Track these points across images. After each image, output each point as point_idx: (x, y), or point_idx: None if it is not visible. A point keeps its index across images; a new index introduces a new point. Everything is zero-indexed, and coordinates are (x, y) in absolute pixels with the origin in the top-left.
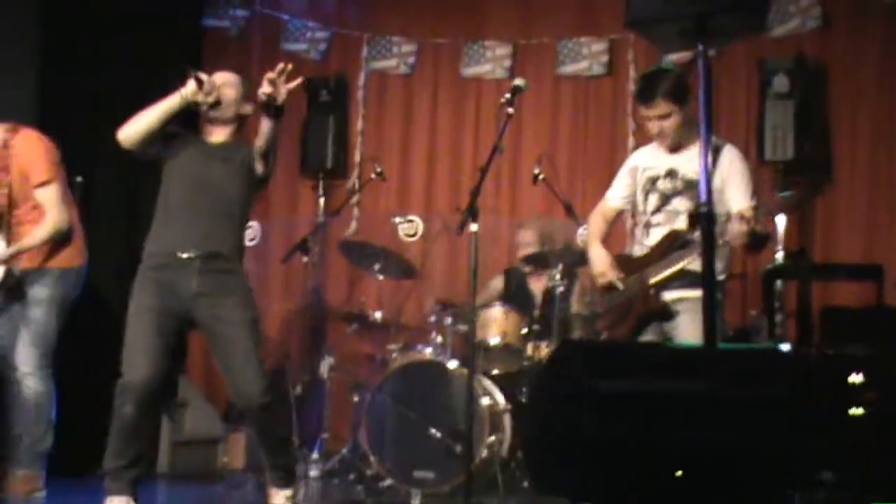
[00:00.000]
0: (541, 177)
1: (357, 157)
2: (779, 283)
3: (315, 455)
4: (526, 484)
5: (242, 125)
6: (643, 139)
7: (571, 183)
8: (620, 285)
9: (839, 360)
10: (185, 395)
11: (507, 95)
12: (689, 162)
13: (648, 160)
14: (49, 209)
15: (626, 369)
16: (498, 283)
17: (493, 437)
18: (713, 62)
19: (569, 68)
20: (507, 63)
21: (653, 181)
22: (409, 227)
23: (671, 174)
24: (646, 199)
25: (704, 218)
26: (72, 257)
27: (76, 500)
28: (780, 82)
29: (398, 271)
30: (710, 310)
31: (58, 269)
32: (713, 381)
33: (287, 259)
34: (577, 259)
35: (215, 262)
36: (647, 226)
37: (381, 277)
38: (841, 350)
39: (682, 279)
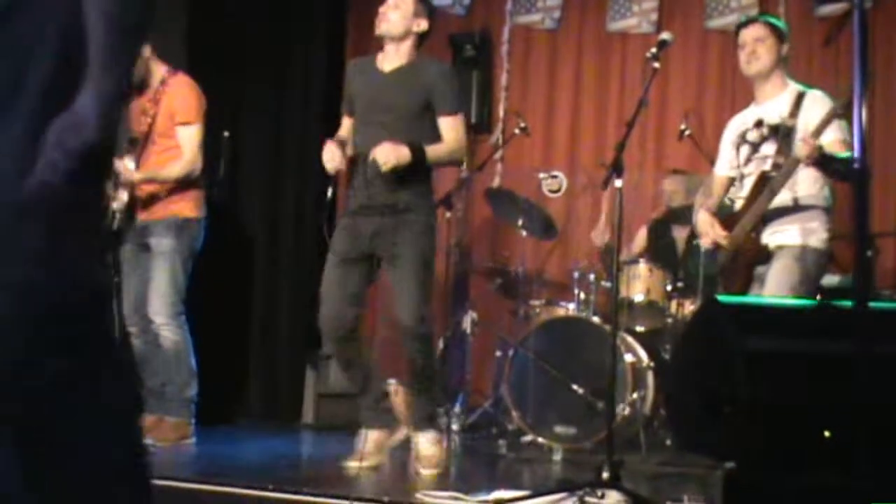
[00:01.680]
0: (687, 132)
1: (501, 113)
2: None
3: (457, 409)
4: (668, 442)
5: (421, 43)
6: None
7: (717, 139)
8: (725, 242)
9: None
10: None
11: (653, 50)
12: (773, 110)
13: (738, 118)
14: (186, 150)
15: (774, 328)
16: (641, 239)
17: (635, 395)
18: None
19: (717, 22)
20: (654, 17)
21: (742, 135)
22: (553, 183)
23: (758, 124)
24: (737, 152)
25: (859, 174)
26: (193, 208)
27: (224, 447)
28: None
29: (541, 228)
30: (862, 268)
31: (180, 219)
32: (865, 341)
33: None
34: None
35: (392, 207)
36: (741, 178)
37: (524, 234)
38: None
39: (781, 221)
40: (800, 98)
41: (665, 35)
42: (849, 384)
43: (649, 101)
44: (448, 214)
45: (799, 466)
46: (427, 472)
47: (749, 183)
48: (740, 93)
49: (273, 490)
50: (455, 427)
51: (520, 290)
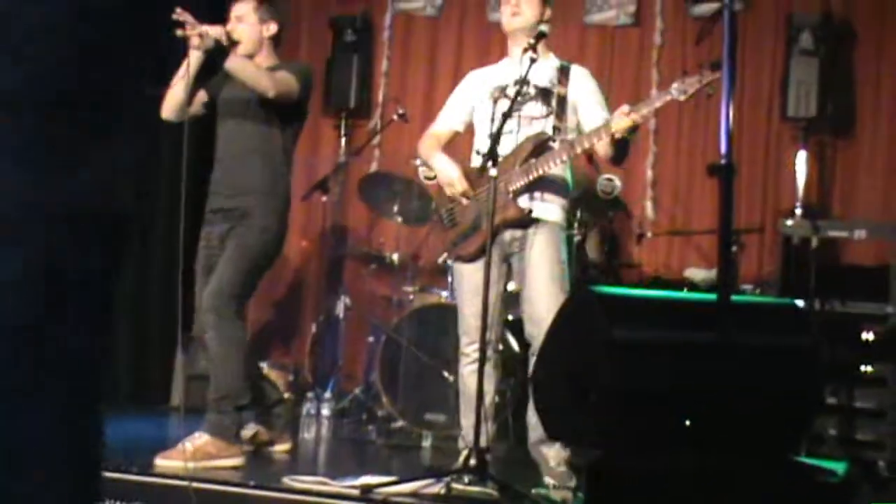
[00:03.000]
0: None
1: (380, 98)
2: (795, 239)
3: (328, 394)
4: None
5: (278, 44)
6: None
7: None
8: (466, 199)
9: (853, 318)
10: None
11: (531, 41)
12: (540, 71)
13: (493, 72)
14: None
15: (641, 319)
16: None
17: (504, 382)
18: (740, 15)
19: (596, 17)
20: None
21: (501, 89)
22: (429, 170)
23: (522, 83)
24: (494, 107)
25: (724, 170)
26: None
27: None
28: (806, 39)
29: (416, 215)
30: (725, 262)
31: None
32: (728, 333)
33: (307, 197)
34: (597, 209)
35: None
36: (498, 134)
37: (399, 219)
38: (855, 308)
39: (542, 188)
40: (565, 70)
41: (542, 27)
42: (711, 373)
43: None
44: (324, 199)
45: (662, 453)
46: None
47: (510, 142)
48: (616, 88)
49: (137, 473)
50: (325, 412)
51: (394, 277)
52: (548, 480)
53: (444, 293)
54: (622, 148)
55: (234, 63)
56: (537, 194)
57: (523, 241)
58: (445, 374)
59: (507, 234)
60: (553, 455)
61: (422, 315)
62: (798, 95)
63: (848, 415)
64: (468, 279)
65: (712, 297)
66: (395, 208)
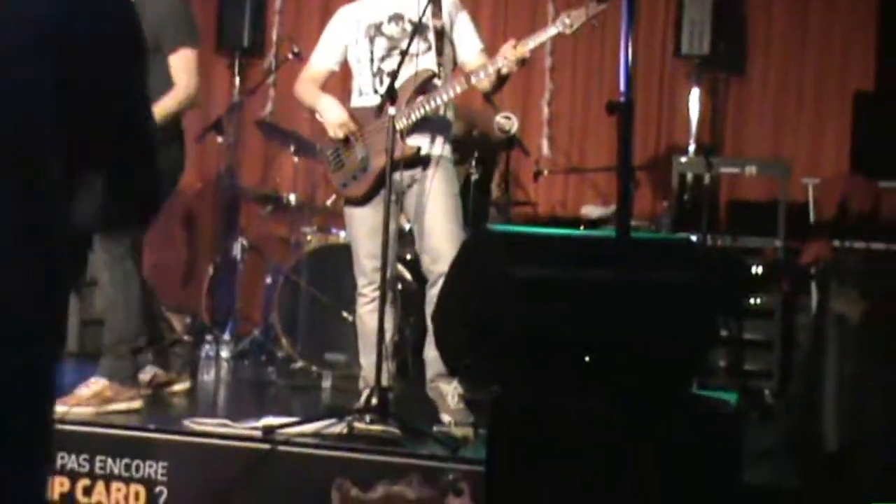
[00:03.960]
0: None
1: (274, 37)
2: (689, 175)
3: (226, 336)
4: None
5: None
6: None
7: None
8: (357, 137)
9: (743, 252)
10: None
11: None
12: (412, 4)
13: (364, 9)
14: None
15: (540, 256)
16: None
17: (403, 320)
18: None
19: None
20: None
21: (377, 27)
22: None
23: (396, 18)
24: (371, 45)
25: (623, 107)
26: None
27: None
28: None
29: (313, 152)
30: (625, 198)
31: None
32: (624, 269)
33: (201, 139)
34: (494, 147)
35: None
36: (380, 73)
37: (296, 159)
38: (745, 242)
39: (429, 127)
40: (436, 3)
41: None
42: (609, 310)
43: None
44: (219, 139)
45: (561, 391)
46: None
47: (399, 80)
48: (512, 19)
49: None
50: (224, 354)
51: (291, 217)
52: (445, 418)
53: (342, 233)
54: (501, 84)
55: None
56: (425, 132)
57: (414, 178)
58: (344, 313)
59: (398, 174)
60: (451, 392)
61: (320, 255)
62: (691, 33)
63: (737, 346)
64: (360, 221)
65: (610, 234)
66: (292, 147)
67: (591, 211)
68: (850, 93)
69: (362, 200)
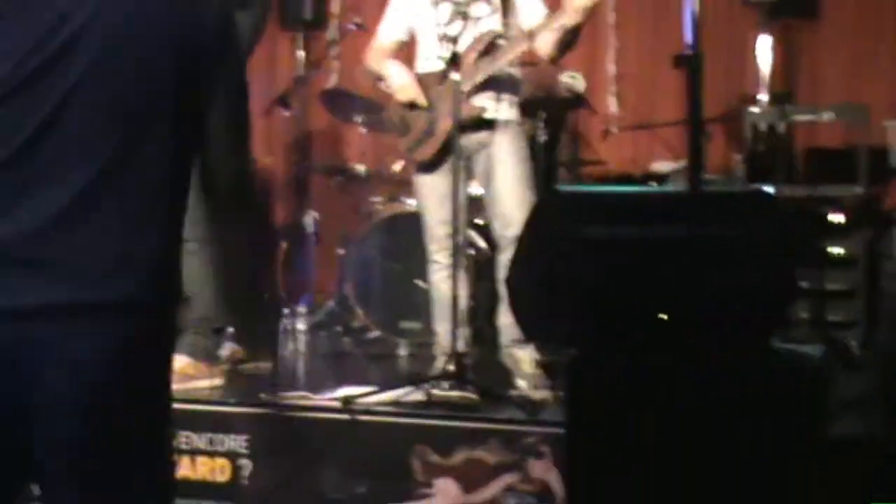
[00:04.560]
0: None
1: (336, 9)
2: (763, 125)
3: (302, 309)
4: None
5: None
6: None
7: None
8: (424, 101)
9: (823, 201)
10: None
11: None
12: None
13: None
14: None
15: (613, 216)
16: None
17: (477, 286)
18: None
19: None
20: None
21: None
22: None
23: None
24: (436, 10)
25: (691, 60)
26: None
27: None
28: None
29: (381, 123)
30: (696, 152)
31: None
32: (698, 225)
33: (268, 113)
34: (561, 107)
35: None
36: (444, 38)
37: (362, 130)
38: (825, 191)
39: (494, 87)
40: None
41: None
42: (684, 266)
43: None
44: (286, 113)
45: (638, 351)
46: None
47: (464, 44)
48: None
49: None
50: (300, 327)
51: (361, 188)
52: (521, 383)
53: (411, 201)
54: (568, 42)
55: None
56: (491, 93)
57: (482, 142)
58: (417, 281)
59: (465, 137)
60: (526, 357)
61: (390, 224)
62: None
63: (819, 297)
64: (430, 188)
65: (683, 189)
66: (359, 119)
67: (662, 166)
68: None
69: (430, 165)
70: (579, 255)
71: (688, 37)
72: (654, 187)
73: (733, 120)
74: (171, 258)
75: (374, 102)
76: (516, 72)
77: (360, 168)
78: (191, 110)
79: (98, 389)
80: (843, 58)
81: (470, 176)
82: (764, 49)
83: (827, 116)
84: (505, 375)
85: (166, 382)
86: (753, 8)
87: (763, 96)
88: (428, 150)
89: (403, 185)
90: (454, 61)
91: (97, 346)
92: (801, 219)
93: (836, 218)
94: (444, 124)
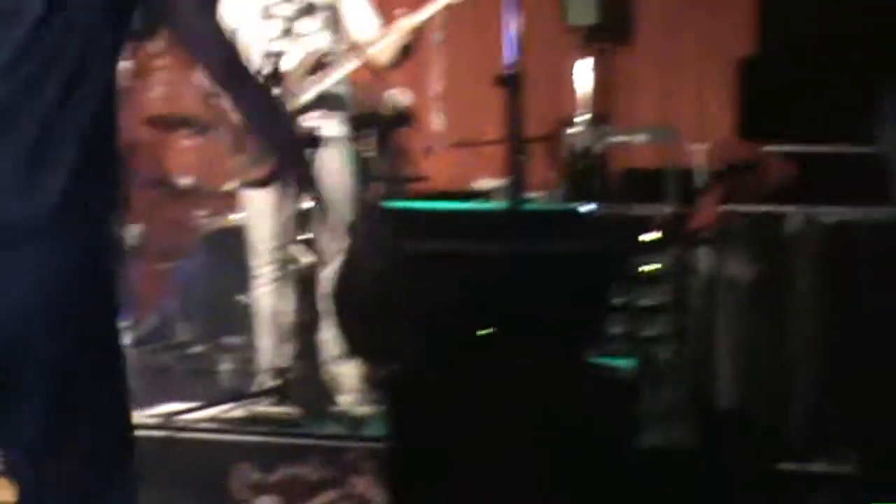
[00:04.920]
0: None
1: None
2: (580, 145)
3: (124, 323)
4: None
5: None
6: None
7: None
8: None
9: (636, 220)
10: None
11: None
12: None
13: None
14: None
15: (434, 231)
16: None
17: (302, 301)
18: None
19: None
20: None
21: (266, 8)
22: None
23: None
24: (263, 27)
25: (510, 80)
26: None
27: None
28: None
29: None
30: (515, 171)
31: None
32: (517, 242)
33: None
34: (386, 123)
35: None
36: (271, 55)
37: (187, 142)
38: (638, 210)
39: (323, 106)
40: None
41: None
42: (504, 282)
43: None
44: None
45: (458, 365)
46: None
47: (287, 61)
48: None
49: None
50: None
51: (185, 201)
52: (345, 399)
53: (237, 215)
54: (404, 52)
55: None
56: (322, 111)
57: (314, 158)
58: (240, 296)
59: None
60: (349, 372)
61: (215, 239)
62: (578, 3)
63: (633, 313)
64: (257, 202)
65: (501, 206)
66: (185, 132)
67: (485, 184)
68: (732, 59)
69: (263, 183)
70: (402, 270)
71: (508, 57)
72: (475, 204)
73: (553, 140)
74: (86, 179)
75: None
76: (345, 88)
77: (185, 181)
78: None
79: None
80: (655, 82)
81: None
82: (583, 72)
83: (639, 139)
84: (329, 391)
85: (99, 306)
86: (574, 32)
87: (581, 118)
88: (261, 171)
89: (229, 200)
90: (275, 77)
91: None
92: (615, 237)
93: (649, 236)
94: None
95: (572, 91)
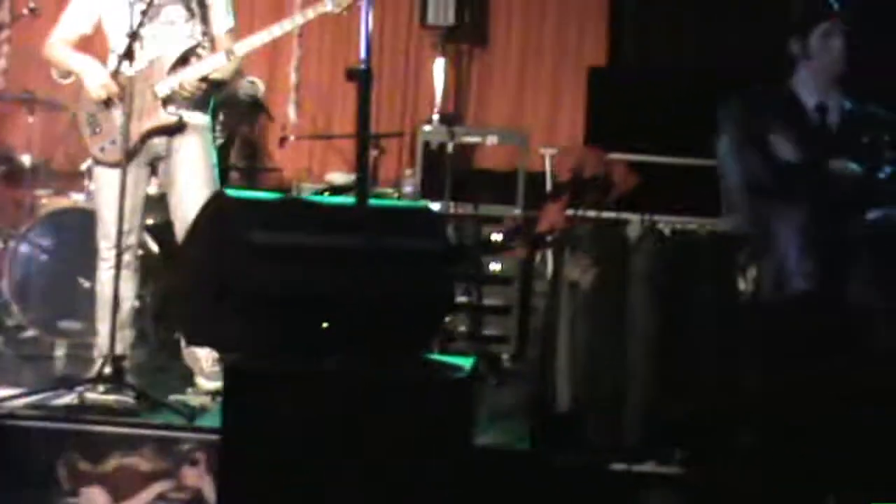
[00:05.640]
0: None
1: None
2: (433, 144)
3: None
4: (177, 335)
5: None
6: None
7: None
8: (116, 101)
9: (484, 220)
10: None
11: None
12: None
13: None
14: None
15: (280, 222)
16: None
17: (144, 288)
18: None
19: None
20: None
21: None
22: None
23: None
24: (131, 9)
25: (361, 75)
26: None
27: None
28: None
29: (51, 112)
30: (363, 166)
31: None
32: (363, 236)
33: None
34: (240, 112)
35: None
36: (139, 38)
37: (31, 119)
38: (487, 210)
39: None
40: None
41: None
42: (348, 276)
43: None
44: None
45: (298, 356)
46: None
47: (154, 47)
48: None
49: None
50: None
51: (26, 180)
52: (201, 381)
53: (80, 196)
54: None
55: None
56: (185, 100)
57: (171, 145)
58: (80, 280)
59: (155, 139)
60: (205, 355)
61: (55, 219)
62: (437, 3)
63: (477, 312)
64: (110, 183)
65: (350, 201)
66: (27, 108)
67: (337, 178)
68: (584, 66)
69: (117, 163)
70: (245, 259)
71: (362, 52)
72: (323, 197)
73: (405, 136)
74: None
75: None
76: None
77: (26, 158)
78: None
79: None
80: (510, 84)
81: (152, 175)
82: (438, 70)
83: (491, 140)
84: (168, 380)
85: None
86: (431, 31)
87: (435, 116)
88: (118, 152)
89: (73, 179)
90: (129, 57)
91: None
92: (463, 236)
93: (496, 237)
94: (138, 126)
95: (429, 89)
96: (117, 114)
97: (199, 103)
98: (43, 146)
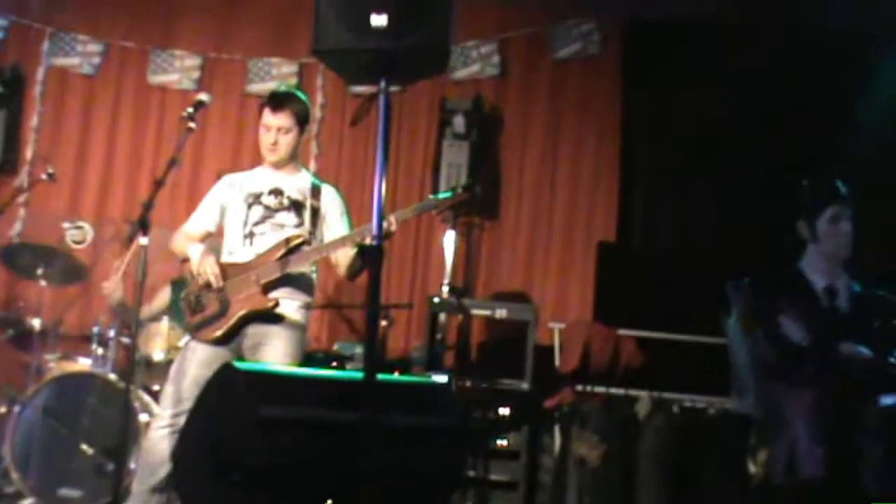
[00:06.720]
0: None
1: (29, 155)
2: (442, 316)
3: None
4: None
5: None
6: (326, 162)
7: None
8: (217, 283)
9: (492, 394)
10: None
11: (190, 109)
12: (293, 184)
13: (248, 179)
14: None
15: (286, 396)
16: (164, 296)
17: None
18: (396, 98)
19: (256, 87)
20: (196, 75)
21: (256, 196)
22: (78, 234)
23: (276, 192)
24: (248, 210)
25: (374, 251)
26: None
27: None
28: (458, 123)
29: (62, 277)
30: (372, 340)
31: None
32: (372, 411)
33: None
34: None
35: None
36: (251, 235)
37: (43, 283)
38: (493, 384)
39: (290, 286)
40: (316, 188)
41: (203, 95)
42: (356, 451)
43: (181, 161)
44: None
45: None
46: None
47: (263, 242)
48: None
49: None
50: None
51: (34, 343)
52: None
53: (88, 361)
54: (362, 263)
55: None
56: (285, 290)
57: (265, 336)
58: (84, 446)
59: (251, 329)
60: None
61: (60, 383)
62: (449, 176)
63: (484, 486)
64: (199, 355)
65: (358, 375)
66: (40, 270)
67: (345, 348)
68: (594, 241)
69: (215, 342)
70: (251, 433)
71: (374, 227)
72: (331, 371)
73: (414, 308)
74: None
75: (58, 254)
76: (311, 275)
77: (36, 322)
78: None
79: None
80: (520, 257)
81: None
82: (448, 243)
83: (500, 312)
84: None
85: None
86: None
87: (445, 288)
88: (217, 331)
89: (81, 343)
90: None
91: None
92: (471, 410)
93: (504, 411)
94: (236, 308)
95: (439, 261)
96: (220, 297)
97: (298, 298)
98: (54, 310)
